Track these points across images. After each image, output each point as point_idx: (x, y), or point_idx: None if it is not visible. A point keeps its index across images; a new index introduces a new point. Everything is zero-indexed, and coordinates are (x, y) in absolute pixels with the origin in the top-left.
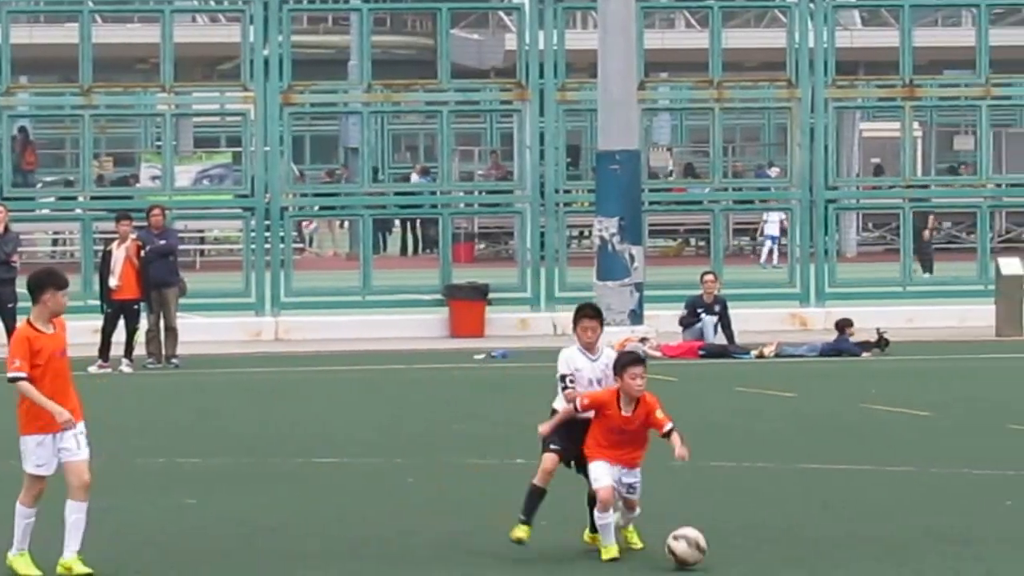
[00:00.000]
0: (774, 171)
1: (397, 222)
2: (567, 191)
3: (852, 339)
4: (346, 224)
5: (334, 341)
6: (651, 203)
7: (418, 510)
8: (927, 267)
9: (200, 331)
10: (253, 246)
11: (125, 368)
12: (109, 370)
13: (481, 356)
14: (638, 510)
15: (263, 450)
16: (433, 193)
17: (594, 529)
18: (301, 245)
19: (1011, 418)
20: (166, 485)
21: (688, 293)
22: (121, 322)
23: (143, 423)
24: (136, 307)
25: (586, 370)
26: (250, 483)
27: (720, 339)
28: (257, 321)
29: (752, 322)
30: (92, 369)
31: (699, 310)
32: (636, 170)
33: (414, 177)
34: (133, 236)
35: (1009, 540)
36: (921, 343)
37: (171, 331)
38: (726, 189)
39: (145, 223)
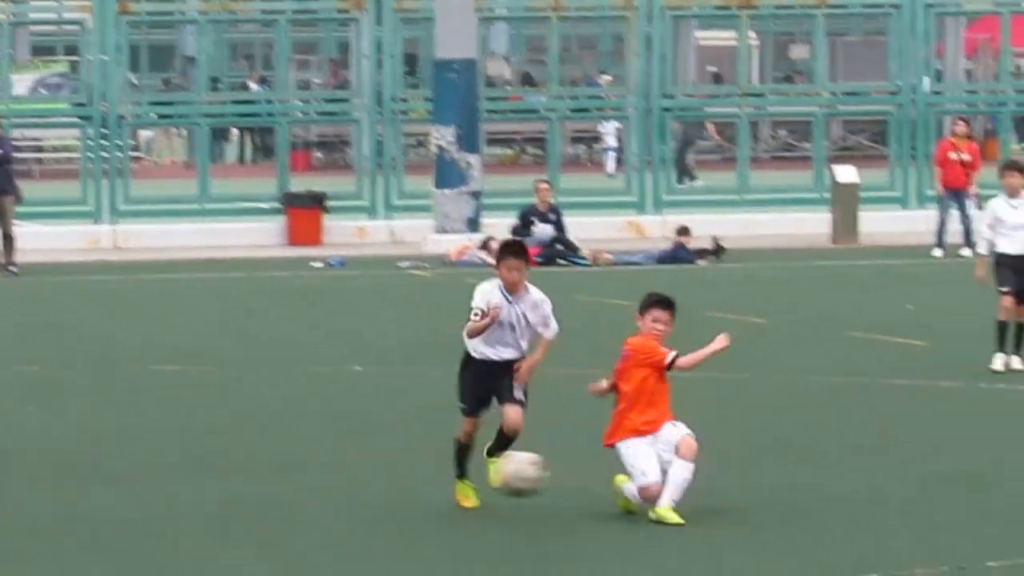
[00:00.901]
0: (605, 79)
1: (235, 130)
2: (404, 100)
3: (689, 246)
4: (184, 132)
5: (172, 249)
6: (488, 112)
7: (257, 419)
8: (682, 177)
9: (38, 239)
10: (91, 155)
11: None
12: None
13: (319, 264)
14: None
15: (103, 358)
16: (270, 102)
17: (491, 452)
18: (139, 154)
19: (845, 325)
20: (5, 392)
21: (526, 201)
22: None
23: None
24: None
25: (503, 310)
26: (90, 391)
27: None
28: (95, 229)
29: (590, 230)
30: None
31: (532, 218)
32: (473, 79)
33: (252, 86)
34: None
35: (846, 446)
36: (757, 251)
37: (8, 239)
38: (563, 98)
39: None
